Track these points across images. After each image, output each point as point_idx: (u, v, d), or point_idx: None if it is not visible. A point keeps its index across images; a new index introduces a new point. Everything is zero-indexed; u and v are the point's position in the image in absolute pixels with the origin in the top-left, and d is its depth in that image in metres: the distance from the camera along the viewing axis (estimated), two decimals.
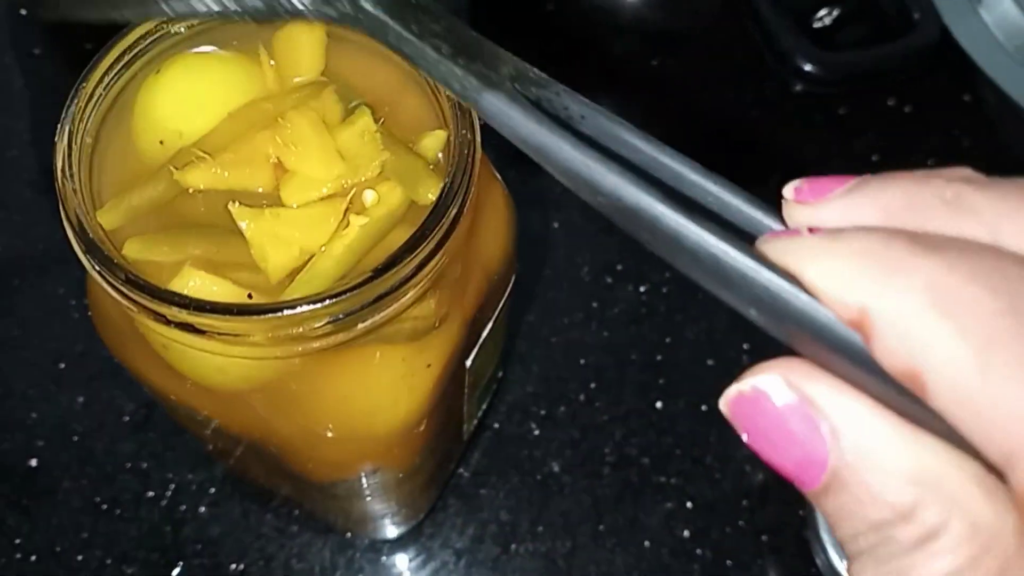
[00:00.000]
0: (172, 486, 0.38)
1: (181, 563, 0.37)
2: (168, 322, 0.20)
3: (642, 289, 0.43)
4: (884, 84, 0.47)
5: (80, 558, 0.37)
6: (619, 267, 0.43)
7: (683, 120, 0.47)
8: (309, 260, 0.21)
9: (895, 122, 0.47)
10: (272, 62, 0.23)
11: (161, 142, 0.22)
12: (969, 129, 0.47)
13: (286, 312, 0.19)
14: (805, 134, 0.47)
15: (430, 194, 0.21)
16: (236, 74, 0.23)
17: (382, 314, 0.21)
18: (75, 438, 0.39)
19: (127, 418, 0.39)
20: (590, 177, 0.16)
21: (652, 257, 0.45)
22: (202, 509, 0.38)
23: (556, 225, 0.44)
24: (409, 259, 0.20)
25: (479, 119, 0.22)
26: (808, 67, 0.37)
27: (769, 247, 0.15)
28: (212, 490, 0.38)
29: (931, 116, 0.47)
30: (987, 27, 0.39)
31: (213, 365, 0.22)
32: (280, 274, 0.21)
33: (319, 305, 0.20)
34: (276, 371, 0.23)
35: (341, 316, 0.20)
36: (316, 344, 0.21)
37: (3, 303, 0.41)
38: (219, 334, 0.20)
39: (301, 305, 0.19)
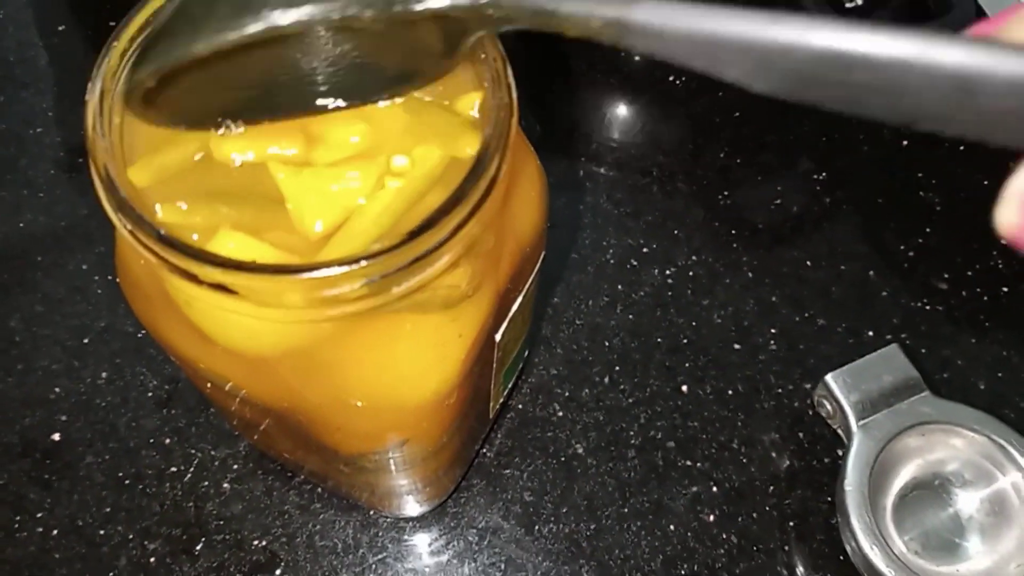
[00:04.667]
0: (195, 462, 0.38)
1: (203, 539, 0.37)
2: (200, 282, 0.20)
3: (668, 272, 0.42)
4: None
5: (102, 533, 0.37)
6: (645, 250, 0.43)
7: (709, 104, 0.47)
8: (345, 223, 0.21)
9: None
10: None
11: None
12: None
13: (321, 272, 0.19)
14: (832, 120, 0.46)
15: (468, 148, 0.21)
16: None
17: (417, 279, 0.21)
18: (98, 414, 0.39)
19: (150, 394, 0.39)
20: (788, 41, 0.15)
21: (678, 240, 0.45)
22: (225, 485, 0.37)
23: (581, 208, 0.44)
24: (446, 221, 0.20)
25: (514, 83, 0.22)
26: None
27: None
28: (235, 466, 0.38)
29: None
30: None
31: (244, 329, 0.22)
32: (316, 234, 0.21)
33: (355, 266, 0.19)
34: (307, 337, 0.22)
35: (376, 278, 0.20)
36: (350, 308, 0.20)
37: (27, 279, 0.41)
38: (252, 296, 0.20)
39: (336, 266, 0.19)
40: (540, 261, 0.29)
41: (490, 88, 0.22)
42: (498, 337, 0.28)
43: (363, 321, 0.22)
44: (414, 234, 0.20)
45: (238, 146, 0.22)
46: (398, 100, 0.21)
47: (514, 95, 0.22)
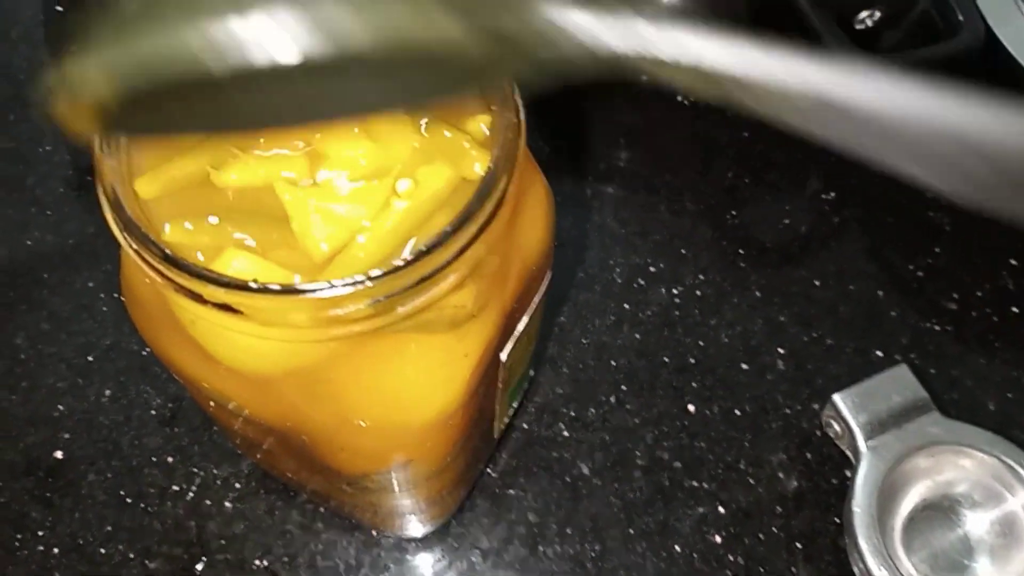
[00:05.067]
0: (198, 481, 0.38)
1: (205, 558, 0.36)
2: (205, 302, 0.19)
3: (675, 292, 0.42)
4: None
5: (103, 551, 0.36)
6: (652, 269, 0.42)
7: (717, 123, 0.46)
8: (350, 243, 0.21)
9: None
10: None
11: None
12: None
13: (327, 292, 0.19)
14: None
15: (477, 166, 0.21)
16: None
17: (422, 298, 0.21)
18: (102, 432, 0.38)
19: (154, 412, 0.39)
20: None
21: (686, 259, 0.45)
22: (227, 504, 0.37)
23: (588, 227, 0.44)
24: (452, 241, 0.20)
25: (523, 105, 0.22)
26: None
27: None
28: (237, 486, 0.38)
29: None
30: None
31: (248, 349, 0.22)
32: (322, 253, 0.20)
33: (360, 286, 0.19)
34: (312, 357, 0.22)
35: (382, 298, 0.20)
36: (355, 328, 0.20)
37: (33, 297, 0.41)
38: (257, 315, 0.19)
39: (342, 286, 0.19)
40: (547, 281, 0.29)
41: (498, 109, 0.22)
42: (503, 357, 0.28)
43: (368, 341, 0.22)
44: (420, 254, 0.20)
45: (242, 169, 0.22)
46: (405, 120, 0.21)
47: (522, 116, 0.22)
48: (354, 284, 0.19)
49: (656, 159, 0.46)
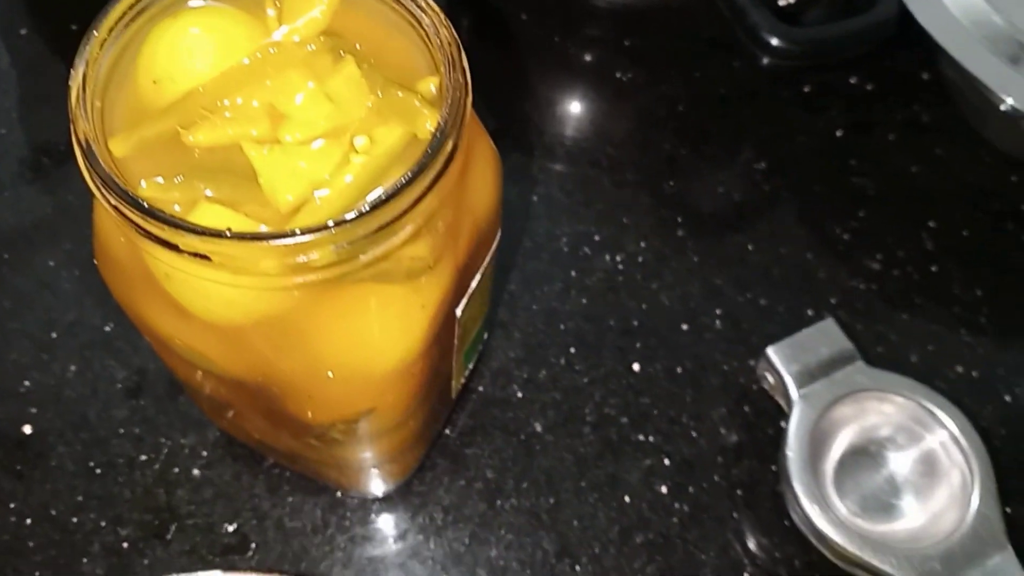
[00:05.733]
0: (165, 450, 0.39)
1: (175, 524, 0.38)
2: (181, 252, 0.21)
3: (618, 258, 0.44)
4: (847, 63, 0.49)
5: (75, 520, 0.37)
6: (596, 238, 0.45)
7: (655, 98, 0.49)
8: (312, 196, 0.23)
9: (858, 99, 0.49)
10: (272, 12, 0.24)
11: (155, 82, 0.24)
12: (929, 105, 0.49)
13: (294, 239, 0.21)
14: (772, 112, 0.49)
15: (428, 124, 0.23)
16: (231, 26, 0.25)
17: (382, 247, 0.22)
18: (68, 405, 0.39)
19: (119, 385, 0.40)
20: None
21: (627, 228, 0.47)
22: (195, 472, 0.39)
23: (535, 199, 0.46)
24: (407, 192, 0.22)
25: (468, 67, 0.24)
26: (775, 41, 0.39)
27: None
28: (204, 453, 0.39)
29: (892, 93, 0.49)
30: (943, 4, 0.41)
31: (220, 298, 0.23)
32: (288, 206, 0.22)
33: (324, 232, 0.21)
34: (280, 305, 0.24)
35: (344, 244, 0.21)
36: (320, 275, 0.22)
37: None
38: (230, 263, 0.21)
39: (308, 232, 0.21)
40: (497, 240, 0.31)
41: (446, 71, 0.23)
42: (459, 312, 0.29)
43: (332, 291, 0.24)
44: (378, 203, 0.21)
45: (211, 129, 0.23)
46: (360, 82, 0.23)
47: (468, 77, 0.24)
48: (319, 231, 0.21)
49: (598, 133, 0.48)
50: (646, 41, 0.50)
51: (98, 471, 0.38)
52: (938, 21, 0.41)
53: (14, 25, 0.49)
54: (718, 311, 0.43)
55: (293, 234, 0.21)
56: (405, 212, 0.22)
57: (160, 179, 0.22)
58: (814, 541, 0.36)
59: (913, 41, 0.43)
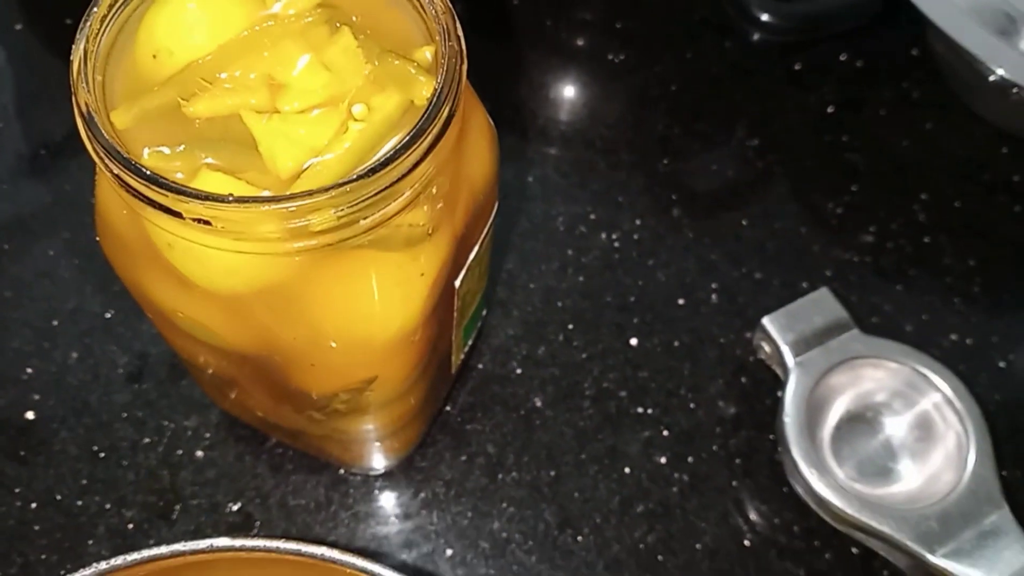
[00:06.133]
0: (168, 433, 0.39)
1: (179, 504, 0.38)
2: (184, 218, 0.21)
3: (614, 236, 0.45)
4: (838, 40, 0.49)
5: (80, 503, 0.38)
6: (592, 217, 0.45)
7: (648, 79, 0.49)
8: (312, 163, 0.23)
9: (848, 76, 0.50)
10: None
11: (154, 56, 0.24)
12: (919, 80, 0.49)
13: (295, 202, 0.21)
14: (763, 90, 0.50)
15: (424, 91, 0.23)
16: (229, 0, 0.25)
17: (380, 211, 0.23)
18: (70, 391, 0.40)
19: (121, 370, 0.40)
20: None
21: (623, 207, 0.48)
22: (198, 453, 0.39)
23: (531, 180, 0.46)
24: (405, 157, 0.22)
25: (463, 35, 0.24)
26: (765, 16, 0.39)
27: None
28: (207, 435, 0.39)
29: (882, 69, 0.50)
30: None
31: (223, 267, 0.24)
32: (288, 172, 0.22)
33: (324, 196, 0.21)
34: (282, 273, 0.24)
35: (345, 208, 0.22)
36: (321, 240, 0.22)
37: None
38: (232, 228, 0.21)
39: (309, 196, 0.21)
40: (494, 213, 0.32)
41: (441, 39, 0.24)
42: (457, 284, 0.30)
43: (333, 258, 0.24)
44: (377, 167, 0.22)
45: (211, 100, 0.24)
46: (357, 51, 0.23)
47: (463, 45, 0.24)
48: (319, 194, 0.21)
49: (592, 115, 0.48)
50: (637, 23, 0.50)
51: (101, 455, 0.39)
52: None
53: (9, 21, 0.49)
54: (714, 286, 0.43)
55: (294, 197, 0.21)
56: (403, 176, 0.22)
57: (163, 148, 0.22)
58: (813, 506, 0.37)
59: (902, 17, 0.43)
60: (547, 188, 0.46)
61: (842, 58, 0.50)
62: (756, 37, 0.39)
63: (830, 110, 0.49)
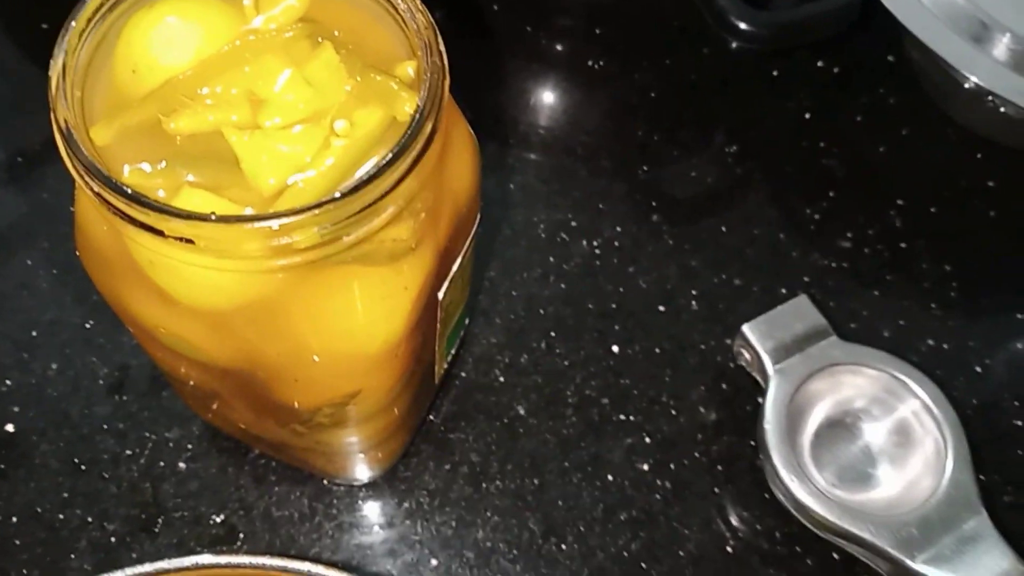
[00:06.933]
0: (149, 445, 0.39)
1: (162, 517, 0.38)
2: (166, 236, 0.21)
3: (596, 244, 0.45)
4: (814, 47, 0.50)
5: (61, 517, 0.37)
6: (573, 224, 0.45)
7: (627, 86, 0.49)
8: (295, 180, 0.23)
9: (825, 83, 0.50)
10: (248, 1, 0.25)
11: (134, 71, 0.24)
12: (895, 87, 0.50)
13: (279, 220, 0.21)
14: (740, 97, 0.50)
15: (407, 107, 0.23)
16: (208, 14, 0.25)
17: (364, 228, 0.23)
18: (50, 403, 0.39)
19: (101, 382, 0.40)
20: None
21: (603, 214, 0.48)
22: (181, 465, 0.39)
23: (512, 187, 0.46)
24: (388, 173, 0.22)
25: (444, 51, 0.24)
26: (743, 25, 0.39)
27: None
28: (189, 447, 0.39)
29: (858, 76, 0.50)
30: None
31: (205, 284, 0.23)
32: (271, 189, 0.22)
33: (308, 214, 0.21)
34: (265, 289, 0.24)
35: (328, 226, 0.22)
36: (304, 257, 0.22)
37: None
38: (214, 247, 0.21)
39: (292, 214, 0.21)
40: (476, 225, 0.32)
41: (423, 55, 0.24)
42: (441, 296, 0.30)
43: (316, 274, 0.24)
44: (360, 184, 0.22)
45: (192, 116, 0.24)
46: (339, 66, 0.23)
47: (445, 60, 0.24)
48: (302, 212, 0.21)
49: (572, 121, 0.48)
50: (617, 30, 0.51)
51: (83, 468, 0.38)
52: (902, 2, 0.42)
53: None
54: (694, 292, 0.44)
55: (277, 216, 0.21)
56: (387, 193, 0.22)
57: (144, 165, 0.22)
58: (794, 512, 0.37)
59: (878, 24, 0.44)
60: (528, 195, 0.46)
61: (819, 64, 0.50)
62: (734, 46, 0.40)
63: (807, 116, 0.49)
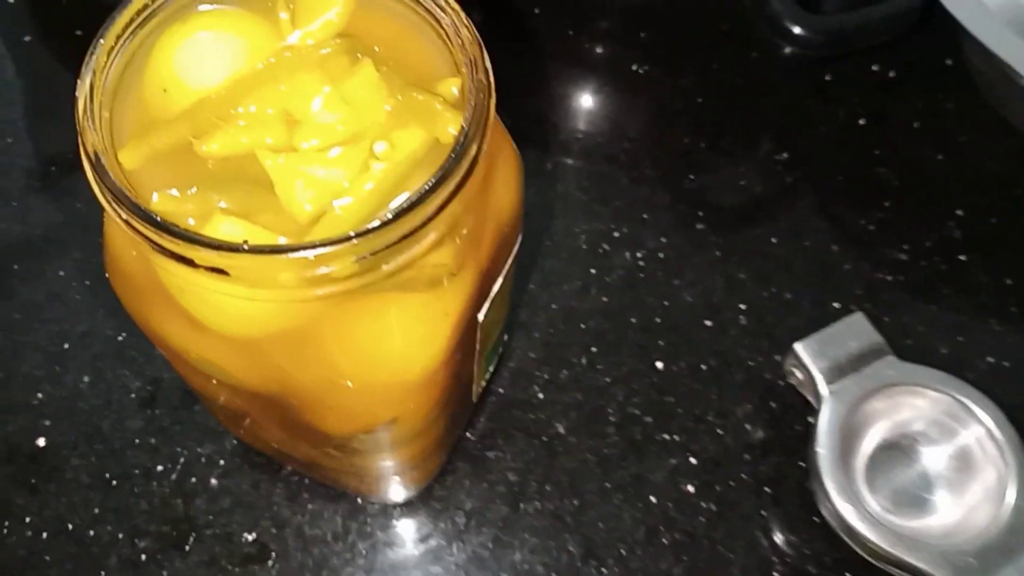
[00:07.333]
0: (182, 460, 0.38)
1: (193, 534, 0.37)
2: (196, 266, 0.20)
3: (639, 255, 0.43)
4: (868, 50, 0.48)
5: (91, 533, 0.37)
6: (615, 234, 0.44)
7: (672, 92, 0.48)
8: (332, 205, 0.22)
9: (879, 87, 0.48)
10: (285, 16, 0.24)
11: (164, 90, 0.23)
12: (953, 92, 0.48)
13: (315, 251, 0.20)
14: (791, 102, 0.48)
15: (450, 128, 0.22)
16: (242, 30, 0.24)
17: (404, 256, 0.22)
18: (82, 417, 0.39)
19: (133, 395, 0.39)
20: None
21: (647, 224, 0.47)
22: (213, 482, 0.38)
23: (552, 197, 0.45)
24: (431, 199, 0.21)
25: (491, 68, 0.23)
26: (797, 30, 0.38)
27: None
28: (222, 463, 0.38)
29: (914, 80, 0.48)
30: None
31: (237, 312, 0.22)
32: (306, 216, 0.21)
33: (346, 244, 0.20)
34: (300, 318, 0.23)
35: (367, 255, 0.21)
36: (341, 286, 0.21)
37: (4, 288, 0.41)
38: (247, 277, 0.20)
39: (329, 244, 0.20)
40: (518, 243, 0.30)
41: (468, 72, 0.23)
42: (480, 317, 0.29)
43: (352, 301, 0.23)
44: (402, 212, 0.21)
45: (224, 138, 0.22)
46: (378, 85, 0.22)
47: (491, 78, 0.23)
48: (340, 242, 0.20)
49: (613, 128, 0.47)
50: (661, 34, 0.49)
51: (114, 483, 0.38)
52: (963, 4, 0.40)
53: (18, 33, 0.48)
54: (741, 306, 0.42)
55: (313, 246, 0.20)
56: (429, 220, 0.21)
57: (174, 191, 0.21)
58: (845, 538, 0.35)
59: (936, 26, 0.42)
60: (569, 205, 0.45)
61: (873, 68, 0.48)
62: (787, 51, 0.38)
63: (861, 122, 0.47)
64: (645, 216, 0.44)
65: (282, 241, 0.21)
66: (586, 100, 0.48)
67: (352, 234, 0.20)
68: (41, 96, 0.47)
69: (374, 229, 0.20)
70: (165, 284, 0.23)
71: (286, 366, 0.25)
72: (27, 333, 0.40)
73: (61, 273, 0.42)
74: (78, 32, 0.47)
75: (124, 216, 0.20)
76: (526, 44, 0.49)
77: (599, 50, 0.49)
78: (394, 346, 0.25)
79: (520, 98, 0.47)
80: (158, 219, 0.20)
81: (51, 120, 0.46)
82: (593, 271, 0.43)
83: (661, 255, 0.43)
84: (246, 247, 0.20)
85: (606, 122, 0.47)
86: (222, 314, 0.23)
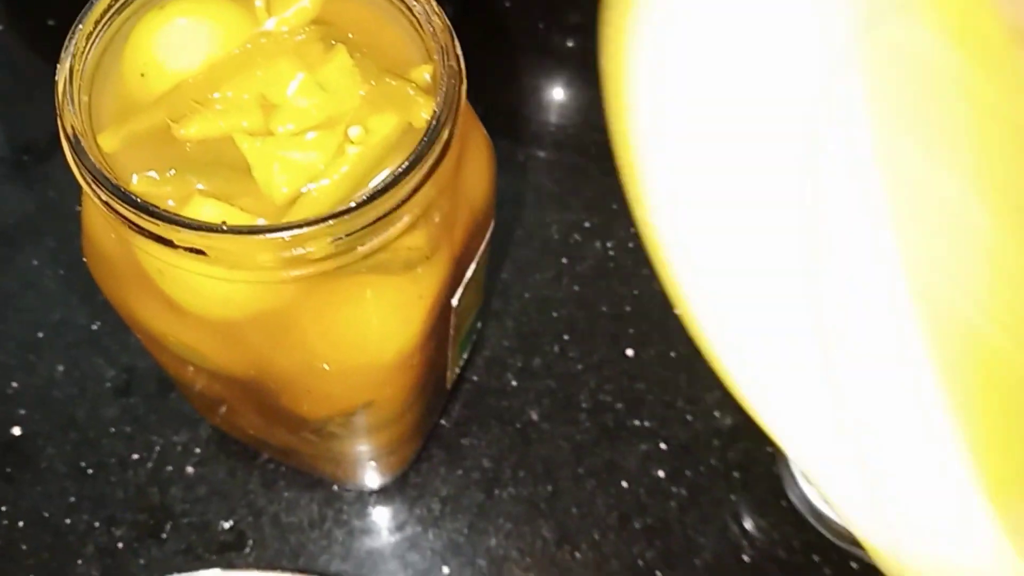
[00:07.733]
0: (157, 448, 0.38)
1: (170, 523, 0.37)
2: (176, 247, 0.21)
3: (609, 245, 0.44)
4: None
5: (68, 522, 0.37)
6: (586, 225, 0.44)
7: None
8: (308, 188, 0.22)
9: None
10: (260, 3, 0.24)
11: (142, 75, 0.23)
12: None
13: (292, 231, 0.20)
14: None
15: (423, 113, 0.22)
16: (219, 16, 0.24)
17: (379, 238, 0.22)
18: (57, 406, 0.39)
19: (108, 384, 0.40)
20: None
21: (617, 214, 0.47)
22: (188, 469, 0.38)
23: (524, 187, 0.45)
24: (404, 182, 0.21)
25: (461, 54, 0.24)
26: None
27: None
28: (197, 451, 0.39)
29: None
30: None
31: (216, 294, 0.23)
32: (283, 198, 0.22)
33: (322, 225, 0.21)
34: (277, 300, 0.23)
35: (343, 236, 0.21)
36: (318, 267, 0.22)
37: None
38: (226, 257, 0.21)
39: (306, 225, 0.20)
40: (491, 229, 0.31)
41: (439, 59, 0.23)
42: (454, 302, 0.29)
43: (329, 284, 0.24)
44: (377, 194, 0.21)
45: (202, 122, 0.23)
46: (353, 71, 0.23)
47: (462, 64, 0.23)
48: (316, 223, 0.20)
49: (585, 120, 0.47)
50: None
51: (89, 471, 0.38)
52: None
53: None
54: None
55: (290, 227, 0.20)
56: (403, 202, 0.22)
57: (153, 173, 0.21)
58: (812, 520, 0.36)
59: None
60: (540, 196, 0.45)
61: None
62: None
63: None
64: (615, 207, 0.45)
65: (260, 222, 0.22)
66: (557, 93, 0.48)
67: (328, 215, 0.21)
68: (13, 85, 0.47)
69: (350, 210, 0.21)
70: (144, 267, 0.23)
71: (264, 349, 0.25)
72: (1, 322, 0.40)
73: (34, 262, 0.42)
74: (50, 22, 0.47)
75: (104, 197, 0.21)
76: (497, 38, 0.49)
77: (570, 43, 0.49)
78: (370, 328, 0.25)
79: (492, 91, 0.48)
80: (138, 200, 0.20)
81: (23, 108, 0.46)
82: (564, 261, 0.43)
83: (631, 245, 0.44)
84: (225, 227, 0.20)
85: (577, 114, 0.48)
86: (201, 296, 0.23)
